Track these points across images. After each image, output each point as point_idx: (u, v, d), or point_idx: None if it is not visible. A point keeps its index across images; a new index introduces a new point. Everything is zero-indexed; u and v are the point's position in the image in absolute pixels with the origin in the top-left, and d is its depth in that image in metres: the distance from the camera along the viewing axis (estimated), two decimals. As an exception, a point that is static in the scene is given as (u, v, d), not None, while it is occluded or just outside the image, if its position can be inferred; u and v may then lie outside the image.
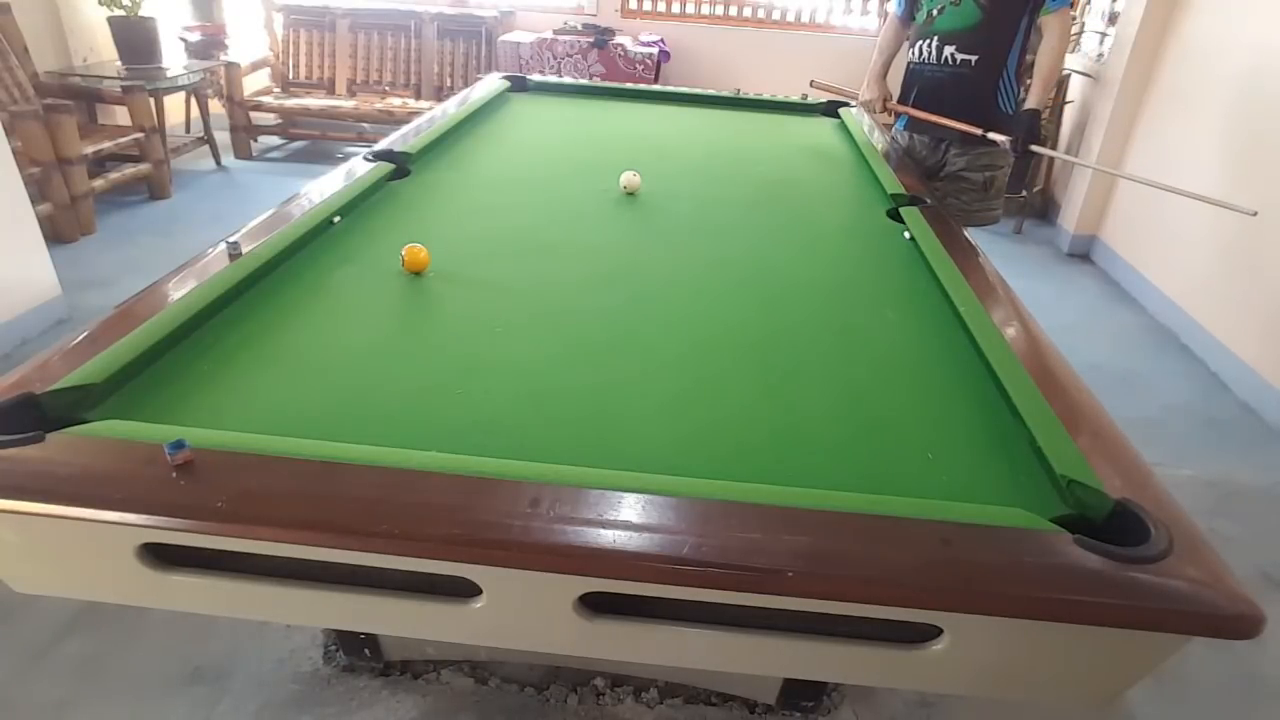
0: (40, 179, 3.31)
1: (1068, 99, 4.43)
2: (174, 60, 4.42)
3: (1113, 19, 4.05)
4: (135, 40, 4.16)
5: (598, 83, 3.63)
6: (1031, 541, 0.85)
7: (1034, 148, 2.23)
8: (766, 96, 3.21)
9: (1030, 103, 2.22)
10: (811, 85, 2.87)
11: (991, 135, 2.22)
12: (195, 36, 4.70)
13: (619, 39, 4.89)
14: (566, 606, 0.88)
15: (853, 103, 2.93)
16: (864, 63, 5.54)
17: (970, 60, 2.28)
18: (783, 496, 0.90)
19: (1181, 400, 2.88)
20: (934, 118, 2.36)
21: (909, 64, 2.48)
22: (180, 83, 4.33)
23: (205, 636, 1.66)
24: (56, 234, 3.42)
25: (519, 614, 0.94)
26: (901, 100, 2.53)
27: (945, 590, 0.81)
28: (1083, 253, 4.21)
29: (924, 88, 2.43)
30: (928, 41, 2.36)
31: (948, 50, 2.30)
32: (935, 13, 2.31)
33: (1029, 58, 2.31)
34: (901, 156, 2.44)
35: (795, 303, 1.50)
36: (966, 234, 1.83)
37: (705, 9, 5.19)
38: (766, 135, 2.76)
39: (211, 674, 1.59)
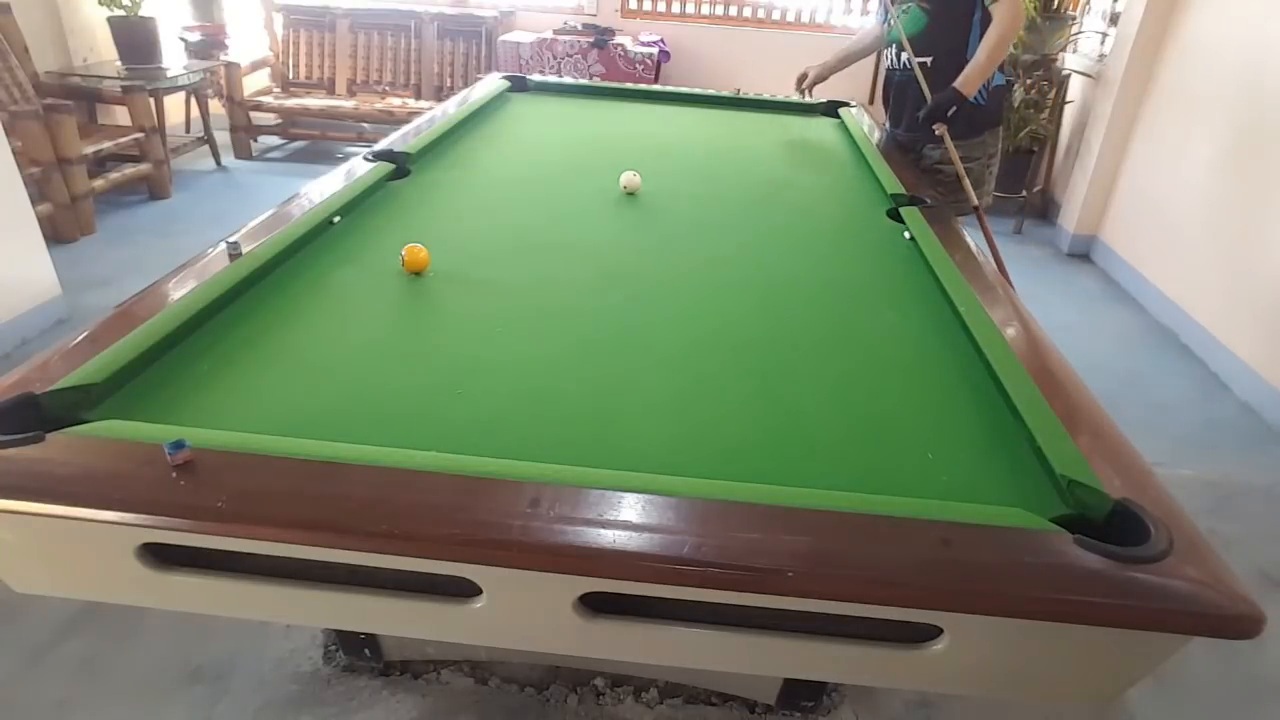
0: (40, 179, 3.31)
1: (1068, 99, 4.43)
2: (174, 60, 4.42)
3: (1114, 19, 4.05)
4: (135, 40, 4.16)
5: (598, 83, 3.62)
6: (1031, 541, 0.85)
7: (935, 127, 2.24)
8: (766, 96, 3.20)
9: (957, 81, 2.19)
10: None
11: (936, 126, 2.25)
12: (195, 36, 4.70)
13: (619, 39, 4.89)
14: (566, 606, 0.88)
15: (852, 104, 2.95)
16: (864, 62, 5.53)
17: (925, 62, 2.32)
18: (783, 496, 0.90)
19: (1181, 400, 2.88)
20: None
21: (887, 70, 2.55)
22: (180, 83, 4.33)
23: (205, 636, 1.66)
24: (56, 234, 3.42)
25: (519, 614, 0.94)
26: (884, 103, 2.62)
27: (945, 590, 0.81)
28: (1083, 253, 4.21)
29: (893, 93, 2.53)
30: (890, 49, 2.45)
31: (904, 56, 2.36)
32: (894, 21, 2.37)
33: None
34: (896, 150, 2.47)
35: (795, 302, 1.50)
36: (964, 233, 1.83)
37: (705, 9, 5.19)
38: (766, 135, 2.76)
39: (211, 674, 1.59)
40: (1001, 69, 2.34)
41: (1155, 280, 3.57)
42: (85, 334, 1.14)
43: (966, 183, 2.30)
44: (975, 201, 2.32)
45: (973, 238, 1.83)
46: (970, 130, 2.36)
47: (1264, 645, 1.80)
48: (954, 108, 2.21)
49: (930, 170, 2.44)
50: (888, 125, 2.66)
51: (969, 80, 2.19)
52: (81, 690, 1.55)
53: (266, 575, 0.93)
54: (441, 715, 1.53)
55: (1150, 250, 3.67)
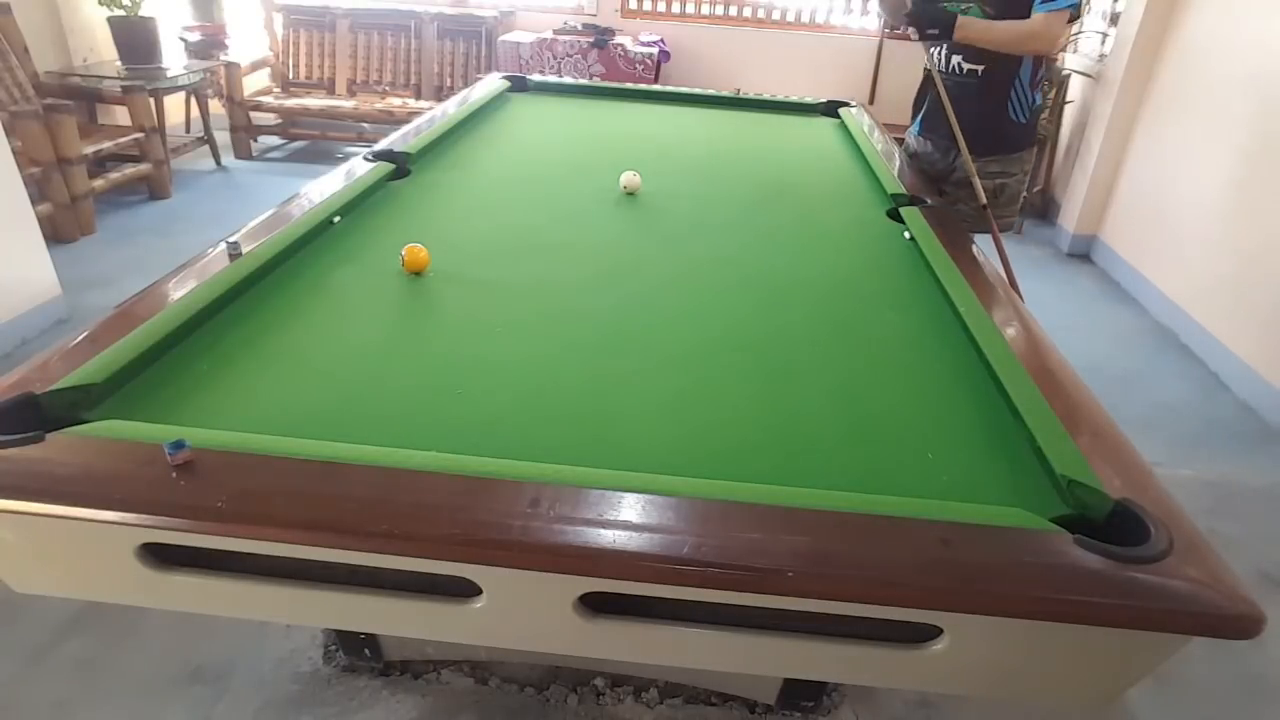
0: (40, 179, 3.31)
1: (1068, 99, 4.43)
2: (174, 60, 4.42)
3: (1114, 19, 4.05)
4: (135, 40, 4.16)
5: (598, 83, 3.62)
6: (1031, 541, 0.85)
7: (911, 29, 2.14)
8: (766, 96, 3.21)
9: (960, 20, 2.09)
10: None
11: (911, 28, 2.16)
12: (195, 36, 4.71)
13: (619, 39, 4.89)
14: (566, 606, 0.88)
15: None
16: (864, 62, 5.49)
17: (976, 70, 2.25)
18: (783, 496, 0.90)
19: (1181, 400, 2.88)
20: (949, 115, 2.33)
21: (925, 69, 2.47)
22: (180, 83, 4.33)
23: (205, 636, 1.66)
24: (56, 234, 3.42)
25: (519, 614, 0.94)
26: (915, 107, 2.54)
27: (945, 590, 0.81)
28: (1083, 253, 4.21)
29: (935, 95, 2.42)
30: (939, 49, 2.34)
31: (955, 59, 2.29)
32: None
33: (1050, 63, 2.27)
34: (907, 160, 2.43)
35: (795, 302, 1.50)
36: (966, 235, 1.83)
37: (705, 9, 5.19)
38: (766, 135, 2.76)
39: (211, 674, 1.59)
40: (1042, 88, 2.29)
41: (1155, 280, 3.57)
42: (85, 334, 1.14)
43: (978, 183, 2.27)
44: (983, 200, 2.30)
45: (982, 246, 1.82)
46: (1013, 147, 2.33)
47: (1264, 645, 1.80)
48: (935, 31, 2.11)
49: (963, 183, 2.37)
50: (916, 130, 2.55)
51: (968, 28, 2.08)
52: (81, 690, 1.55)
53: (266, 575, 0.93)
54: (441, 715, 1.53)
55: (1150, 250, 3.67)
